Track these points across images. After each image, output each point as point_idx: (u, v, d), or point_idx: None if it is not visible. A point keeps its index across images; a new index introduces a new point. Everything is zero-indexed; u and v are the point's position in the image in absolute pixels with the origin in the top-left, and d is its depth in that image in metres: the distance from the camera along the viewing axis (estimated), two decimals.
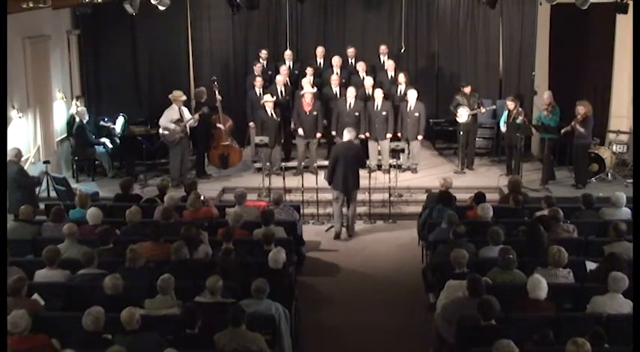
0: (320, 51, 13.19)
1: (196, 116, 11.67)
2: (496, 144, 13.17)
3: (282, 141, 12.35)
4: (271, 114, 11.71)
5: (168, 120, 11.44)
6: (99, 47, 13.26)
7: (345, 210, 10.09)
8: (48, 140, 11.51)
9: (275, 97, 11.97)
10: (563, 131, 11.23)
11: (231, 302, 5.96)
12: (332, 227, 10.31)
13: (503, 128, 11.89)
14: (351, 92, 11.80)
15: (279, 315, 6.08)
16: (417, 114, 11.95)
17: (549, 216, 7.89)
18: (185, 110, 11.63)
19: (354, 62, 13.07)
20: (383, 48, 13.14)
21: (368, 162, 11.92)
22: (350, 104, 11.83)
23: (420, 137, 12.11)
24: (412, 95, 11.95)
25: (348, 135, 10.05)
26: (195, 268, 6.86)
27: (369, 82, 12.34)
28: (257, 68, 12.70)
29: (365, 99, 12.16)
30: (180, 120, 11.47)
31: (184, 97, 11.75)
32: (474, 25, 13.89)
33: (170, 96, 11.59)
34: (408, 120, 11.94)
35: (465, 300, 6.04)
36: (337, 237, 10.10)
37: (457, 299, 6.19)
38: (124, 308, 5.50)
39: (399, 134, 12.06)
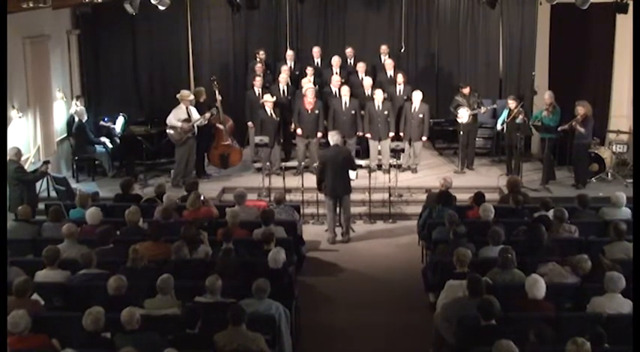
0: (316, 51, 13.20)
1: (207, 115, 11.62)
2: (496, 144, 13.17)
3: (282, 140, 12.35)
4: (271, 114, 11.70)
5: (175, 119, 11.41)
6: (99, 47, 13.27)
7: (339, 210, 10.05)
8: (48, 140, 11.50)
9: (275, 97, 11.96)
10: (560, 128, 11.23)
11: (232, 301, 5.96)
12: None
13: (499, 126, 11.91)
14: (345, 91, 11.80)
15: (279, 315, 6.08)
16: (421, 115, 11.93)
17: (554, 215, 7.91)
18: (193, 110, 11.58)
19: (352, 62, 13.08)
20: (384, 48, 13.14)
21: (368, 162, 11.96)
22: (345, 103, 11.83)
23: (423, 138, 12.12)
24: (417, 96, 11.93)
25: (333, 139, 9.89)
26: (196, 268, 6.86)
27: (368, 82, 12.35)
28: (258, 68, 12.70)
29: (364, 99, 12.16)
30: (187, 119, 11.45)
31: (192, 97, 11.74)
32: (474, 25, 13.90)
33: (178, 95, 11.57)
34: (413, 121, 11.93)
35: (465, 300, 6.04)
36: (332, 242, 10.07)
37: (457, 299, 6.19)
38: (124, 308, 5.50)
39: (401, 134, 12.06)
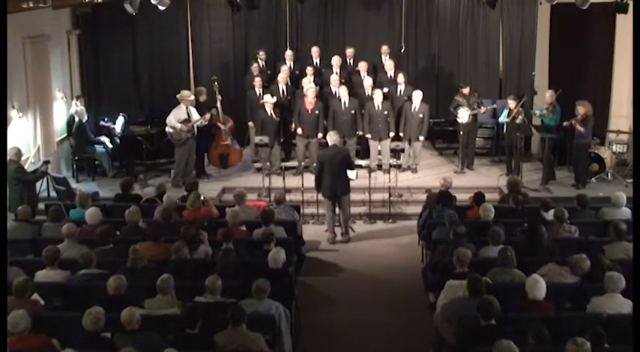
0: (315, 50, 13.19)
1: (207, 115, 11.62)
2: (496, 144, 13.17)
3: (282, 140, 12.34)
4: (271, 114, 11.70)
5: (175, 119, 11.40)
6: (99, 47, 13.27)
7: (338, 210, 10.04)
8: (48, 140, 11.50)
9: (275, 97, 11.96)
10: (564, 124, 11.22)
11: (232, 301, 5.96)
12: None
13: (503, 119, 11.86)
14: (343, 91, 11.79)
15: (279, 315, 6.08)
16: (421, 115, 11.93)
17: (554, 215, 7.91)
18: (193, 110, 11.56)
19: (352, 62, 13.08)
20: (384, 48, 13.12)
21: (368, 162, 11.95)
22: (345, 102, 11.82)
23: (421, 138, 12.11)
24: (417, 96, 11.93)
25: (332, 139, 9.88)
26: (196, 268, 6.86)
27: (368, 82, 12.34)
28: (255, 68, 12.70)
29: (364, 99, 12.15)
30: (187, 120, 11.44)
31: (192, 97, 11.73)
32: (474, 25, 13.90)
33: (178, 96, 11.57)
34: (412, 121, 11.92)
35: (465, 300, 6.04)
36: (332, 242, 10.06)
37: (457, 299, 6.19)
38: (124, 308, 5.50)
39: (401, 134, 12.06)
